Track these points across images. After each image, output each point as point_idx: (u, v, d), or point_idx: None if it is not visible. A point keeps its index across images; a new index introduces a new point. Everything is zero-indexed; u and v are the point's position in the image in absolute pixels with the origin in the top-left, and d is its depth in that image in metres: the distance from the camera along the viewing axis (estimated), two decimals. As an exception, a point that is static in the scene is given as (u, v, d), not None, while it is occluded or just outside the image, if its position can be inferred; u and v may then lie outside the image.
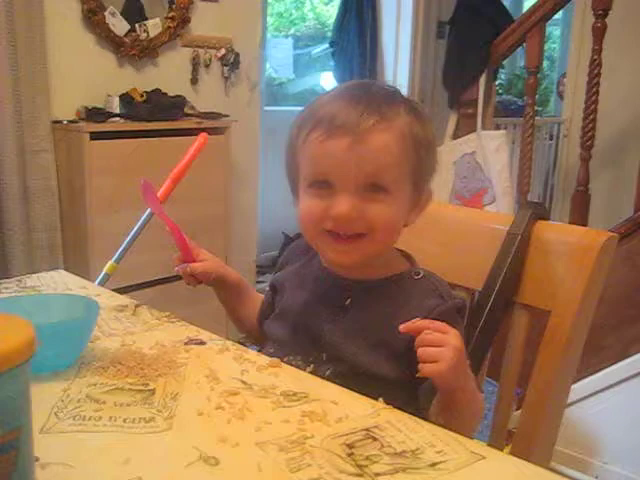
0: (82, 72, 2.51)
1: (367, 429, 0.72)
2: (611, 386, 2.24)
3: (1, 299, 0.88)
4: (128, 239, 2.10)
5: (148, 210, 2.07)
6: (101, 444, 0.68)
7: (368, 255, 0.93)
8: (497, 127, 2.85)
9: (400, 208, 0.93)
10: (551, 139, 3.95)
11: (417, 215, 0.98)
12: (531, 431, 1.06)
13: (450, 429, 0.79)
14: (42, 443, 0.64)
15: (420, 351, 0.80)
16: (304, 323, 0.99)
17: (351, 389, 0.82)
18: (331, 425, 0.73)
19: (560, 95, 5.01)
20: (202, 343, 0.94)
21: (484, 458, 0.68)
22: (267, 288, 1.12)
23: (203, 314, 2.63)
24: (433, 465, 0.66)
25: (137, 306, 1.07)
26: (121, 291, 2.33)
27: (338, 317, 0.97)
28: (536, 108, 2.67)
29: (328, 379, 0.87)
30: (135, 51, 2.63)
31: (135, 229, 2.09)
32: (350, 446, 0.69)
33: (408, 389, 0.92)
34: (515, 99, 5.56)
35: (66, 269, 2.40)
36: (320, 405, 0.77)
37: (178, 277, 2.76)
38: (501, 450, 1.07)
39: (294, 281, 1.05)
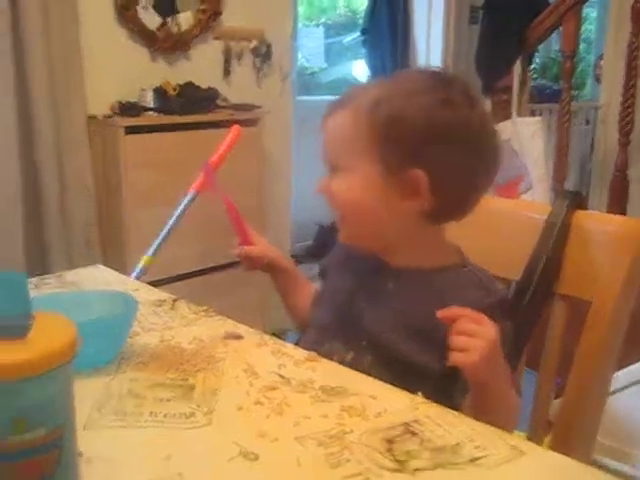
0: (115, 67, 2.53)
1: (406, 423, 0.72)
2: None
3: (42, 296, 0.89)
4: (164, 232, 2.11)
5: (183, 202, 2.10)
6: (143, 439, 0.69)
7: (349, 237, 0.99)
8: (532, 113, 2.81)
9: (363, 186, 0.91)
10: (587, 124, 3.88)
11: (419, 204, 0.90)
12: (572, 421, 1.05)
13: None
14: (85, 438, 0.65)
15: (452, 339, 0.79)
16: (346, 307, 0.98)
17: (391, 378, 0.82)
18: (370, 420, 0.73)
19: (597, 78, 4.92)
20: (240, 337, 0.94)
21: (524, 454, 0.67)
22: (318, 274, 1.13)
23: (239, 305, 2.66)
24: (473, 460, 0.66)
25: (175, 300, 1.08)
26: (158, 284, 2.38)
27: (379, 302, 0.96)
28: (572, 93, 2.62)
29: (370, 368, 0.87)
30: (167, 44, 2.65)
31: (171, 222, 2.11)
32: (389, 441, 0.69)
33: (447, 381, 0.91)
34: (550, 84, 5.48)
35: (104, 264, 2.44)
36: (359, 400, 0.77)
37: (215, 269, 2.78)
38: (541, 441, 1.07)
39: (339, 264, 1.06)
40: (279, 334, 3.08)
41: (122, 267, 2.41)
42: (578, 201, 1.11)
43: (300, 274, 1.17)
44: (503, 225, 1.15)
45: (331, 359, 0.90)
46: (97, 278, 1.19)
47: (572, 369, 1.04)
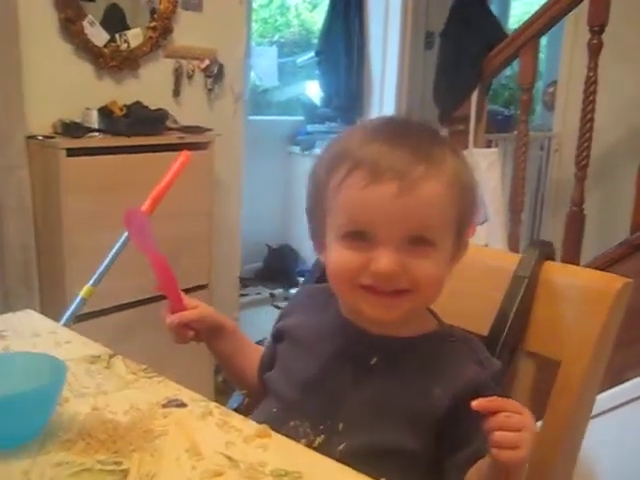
0: (59, 84, 2.40)
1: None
2: (604, 412, 2.18)
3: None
4: (106, 262, 2.00)
5: (120, 240, 1.99)
6: None
7: (410, 312, 0.83)
8: (488, 143, 2.79)
9: (445, 262, 0.83)
10: (541, 150, 3.89)
11: (453, 266, 0.87)
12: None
13: None
14: None
15: (498, 435, 0.70)
16: (318, 384, 0.88)
17: (367, 469, 0.72)
18: (329, 518, 0.64)
19: (546, 104, 4.96)
20: (182, 405, 0.85)
21: None
22: (268, 338, 1.01)
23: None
24: None
25: (111, 357, 0.98)
26: (97, 314, 2.28)
27: (361, 379, 0.86)
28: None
29: (342, 456, 0.77)
30: (115, 62, 2.53)
31: (112, 253, 2.00)
32: None
33: (429, 463, 0.83)
34: (502, 109, 5.50)
35: (41, 289, 2.32)
36: (316, 489, 0.68)
37: (155, 298, 2.63)
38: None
39: (305, 332, 0.94)
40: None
41: (60, 294, 2.28)
42: (548, 252, 1.05)
43: (243, 333, 1.06)
44: (471, 276, 1.08)
45: (296, 441, 0.80)
46: (25, 327, 1.07)
47: (542, 428, 0.98)
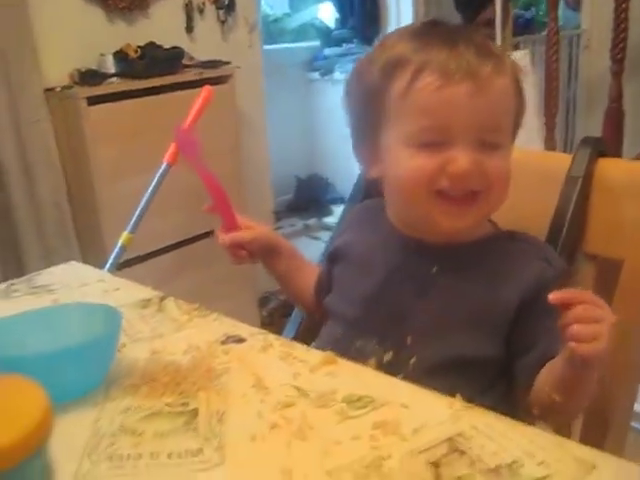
0: (70, 32, 2.33)
1: (450, 439, 0.62)
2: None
3: (8, 319, 0.76)
4: (140, 207, 1.98)
5: (157, 174, 1.96)
6: (145, 492, 0.58)
7: (483, 216, 0.83)
8: (516, 46, 2.67)
9: (510, 158, 0.83)
10: (570, 50, 3.74)
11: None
12: (609, 391, 0.96)
13: (562, 409, 0.74)
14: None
15: (576, 329, 0.67)
16: (381, 299, 0.86)
17: (438, 382, 0.71)
18: (408, 439, 0.62)
19: (568, 3, 4.75)
20: (241, 340, 0.83)
21: (595, 467, 0.57)
22: (323, 260, 1.00)
23: (227, 273, 2.55)
24: (537, 483, 0.56)
25: (162, 299, 0.96)
26: (139, 260, 2.28)
27: (425, 290, 0.84)
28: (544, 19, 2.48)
29: (413, 371, 0.77)
30: (124, 3, 2.45)
31: (147, 196, 1.98)
32: (436, 464, 0.59)
33: (503, 368, 0.82)
34: (522, 12, 5.30)
35: (79, 244, 2.32)
36: (390, 411, 0.66)
37: (196, 238, 2.65)
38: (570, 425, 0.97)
39: (360, 250, 0.92)
40: (270, 295, 3.00)
41: (99, 246, 2.28)
42: (601, 148, 1.00)
43: (300, 253, 1.05)
44: (521, 180, 1.03)
45: (364, 361, 0.78)
46: (72, 279, 1.06)
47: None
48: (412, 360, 0.81)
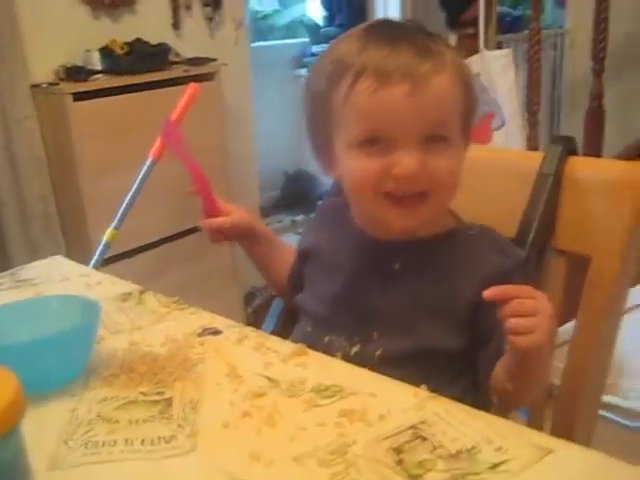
0: (57, 29, 2.34)
1: (414, 426, 0.65)
2: (638, 306, 2.17)
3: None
4: (126, 202, 2.00)
5: (143, 169, 1.98)
6: (118, 477, 0.60)
7: (434, 214, 0.84)
8: (499, 45, 2.70)
9: (459, 157, 0.83)
10: (555, 49, 3.77)
11: (463, 163, 0.87)
12: (578, 383, 0.99)
13: (516, 397, 0.77)
14: (53, 482, 0.57)
15: (513, 322, 0.70)
16: (347, 296, 0.89)
17: (403, 373, 0.74)
18: (373, 425, 0.65)
19: (556, 1, 4.79)
20: (218, 332, 0.85)
21: (552, 452, 0.60)
22: (295, 257, 1.03)
23: (211, 268, 2.57)
24: (494, 467, 0.59)
25: (142, 293, 0.98)
26: (124, 256, 2.29)
27: (388, 286, 0.86)
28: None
29: (378, 363, 0.79)
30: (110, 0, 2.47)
31: (131, 192, 1.99)
32: (398, 450, 0.61)
33: (467, 360, 0.84)
34: (509, 10, 5.33)
35: (64, 238, 2.33)
36: (357, 400, 0.69)
37: (181, 234, 2.66)
38: (542, 412, 1.01)
39: (325, 249, 0.95)
40: (256, 292, 3.02)
41: (85, 242, 2.29)
42: (571, 147, 1.02)
43: (277, 237, 1.08)
44: (493, 177, 1.06)
45: (332, 355, 0.81)
46: (54, 273, 1.08)
47: (576, 328, 0.98)
48: (378, 352, 0.84)
